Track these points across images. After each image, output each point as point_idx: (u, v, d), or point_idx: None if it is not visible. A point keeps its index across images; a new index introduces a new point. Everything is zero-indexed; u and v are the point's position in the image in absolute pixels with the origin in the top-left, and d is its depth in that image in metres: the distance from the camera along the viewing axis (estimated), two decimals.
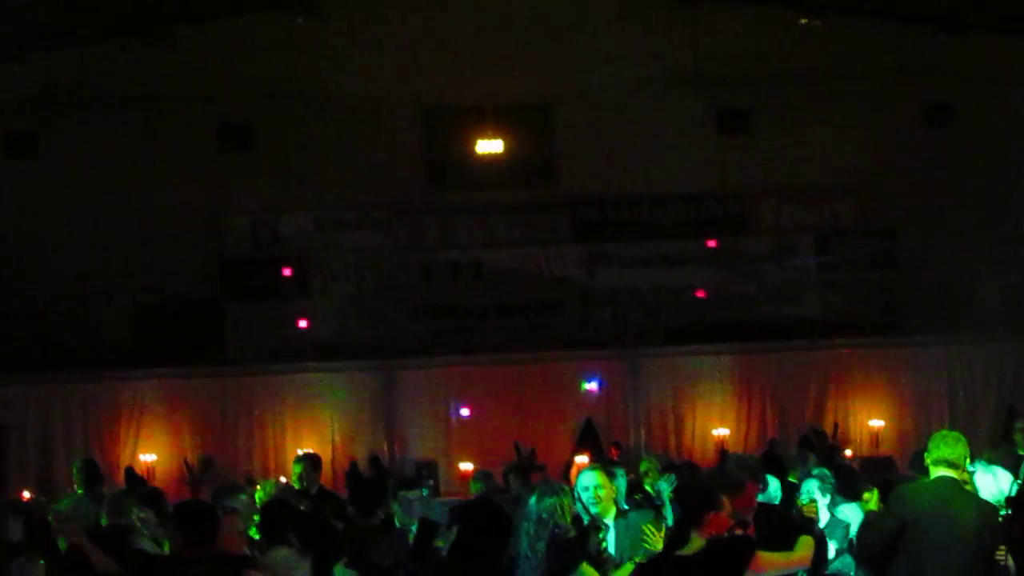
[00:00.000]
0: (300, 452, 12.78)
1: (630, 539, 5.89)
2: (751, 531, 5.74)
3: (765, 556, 5.44)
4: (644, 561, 5.64)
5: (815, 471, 8.10)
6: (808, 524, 6.46)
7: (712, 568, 5.28)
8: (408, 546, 7.02)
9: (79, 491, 9.74)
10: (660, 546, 5.65)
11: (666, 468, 8.46)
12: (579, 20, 17.49)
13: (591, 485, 6.12)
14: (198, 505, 6.52)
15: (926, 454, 6.07)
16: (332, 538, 7.36)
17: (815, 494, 7.39)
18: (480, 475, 10.29)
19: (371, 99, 17.37)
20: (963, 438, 6.05)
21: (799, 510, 6.90)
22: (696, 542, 5.38)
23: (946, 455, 5.91)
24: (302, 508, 7.96)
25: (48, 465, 16.42)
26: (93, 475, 10.13)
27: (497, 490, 9.74)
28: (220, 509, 6.15)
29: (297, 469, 9.49)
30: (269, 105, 17.44)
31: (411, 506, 7.53)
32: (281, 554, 6.32)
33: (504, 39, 17.40)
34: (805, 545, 5.72)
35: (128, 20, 17.11)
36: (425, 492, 8.12)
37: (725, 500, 5.50)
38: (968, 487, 6.38)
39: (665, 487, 7.20)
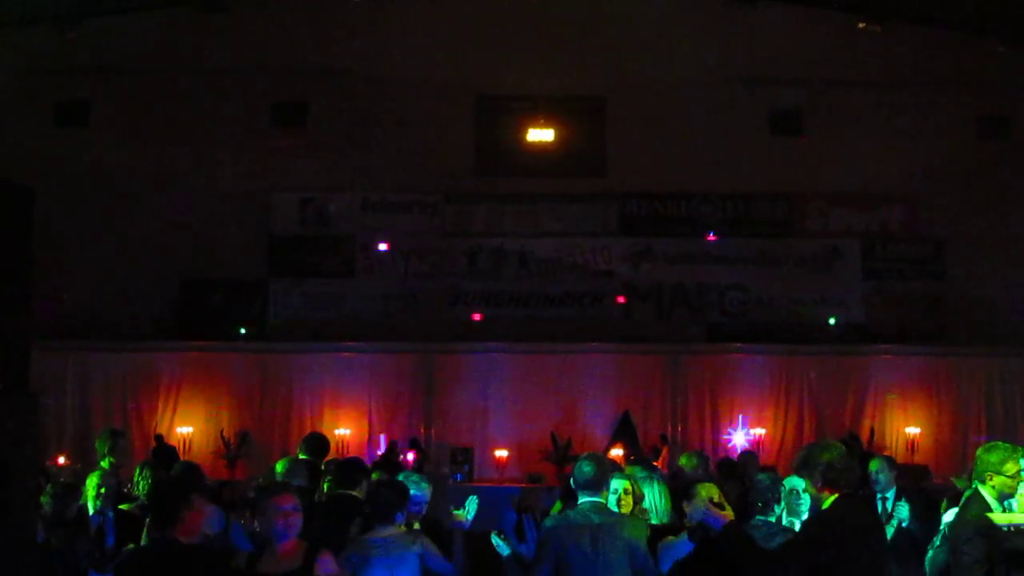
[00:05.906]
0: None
1: None
2: None
3: None
4: None
5: None
6: None
7: None
8: None
9: (104, 463, 9.33)
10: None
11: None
12: (634, 14, 17.46)
13: (618, 489, 6.38)
14: None
15: None
16: None
17: None
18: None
19: (425, 83, 17.35)
20: (999, 446, 5.98)
21: None
22: None
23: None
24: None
25: (86, 433, 16.48)
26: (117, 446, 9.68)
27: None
28: None
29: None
30: (322, 83, 17.46)
31: None
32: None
33: (559, 30, 17.37)
34: None
35: None
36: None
37: None
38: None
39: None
